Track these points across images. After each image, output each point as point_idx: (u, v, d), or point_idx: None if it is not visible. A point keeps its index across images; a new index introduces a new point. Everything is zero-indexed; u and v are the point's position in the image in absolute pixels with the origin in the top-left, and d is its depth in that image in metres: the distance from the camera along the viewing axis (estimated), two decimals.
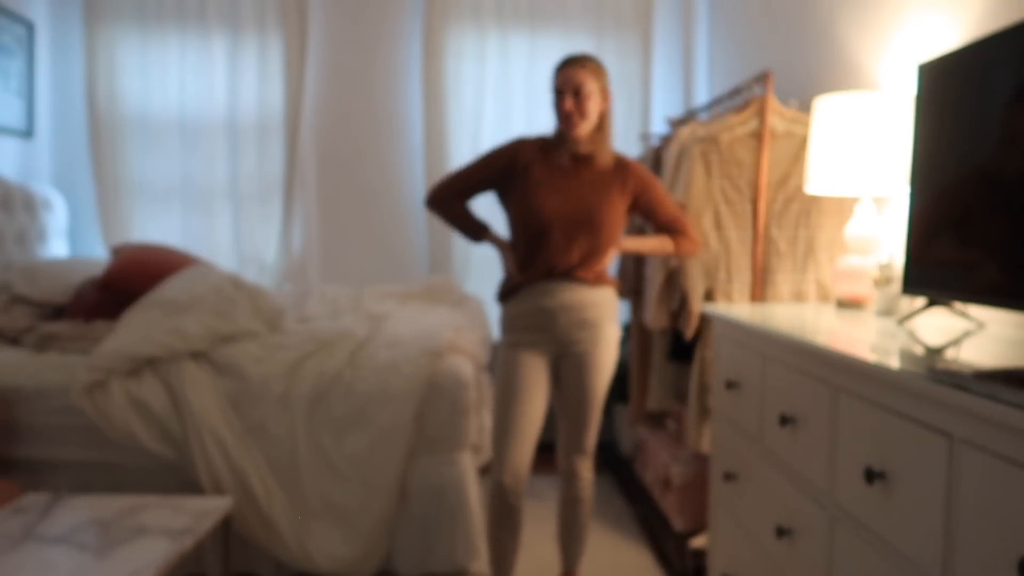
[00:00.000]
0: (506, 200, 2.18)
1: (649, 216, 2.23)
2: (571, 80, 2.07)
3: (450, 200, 2.23)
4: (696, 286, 2.40)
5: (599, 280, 2.15)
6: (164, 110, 3.82)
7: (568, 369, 2.18)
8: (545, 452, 2.85)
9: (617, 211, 2.14)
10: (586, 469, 2.27)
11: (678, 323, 2.54)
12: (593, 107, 2.09)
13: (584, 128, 2.10)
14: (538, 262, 2.12)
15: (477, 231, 2.25)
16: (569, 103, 2.07)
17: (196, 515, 1.90)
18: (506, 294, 2.20)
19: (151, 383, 2.41)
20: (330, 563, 2.35)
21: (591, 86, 2.08)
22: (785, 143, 2.40)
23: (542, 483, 3.28)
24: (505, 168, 2.15)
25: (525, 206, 2.10)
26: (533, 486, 3.15)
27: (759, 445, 1.74)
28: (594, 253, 2.12)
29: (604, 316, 2.17)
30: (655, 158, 2.97)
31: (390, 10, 3.95)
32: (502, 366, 2.18)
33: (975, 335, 1.53)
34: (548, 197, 2.09)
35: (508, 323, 2.20)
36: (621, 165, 2.17)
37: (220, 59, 3.83)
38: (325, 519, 2.40)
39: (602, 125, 2.13)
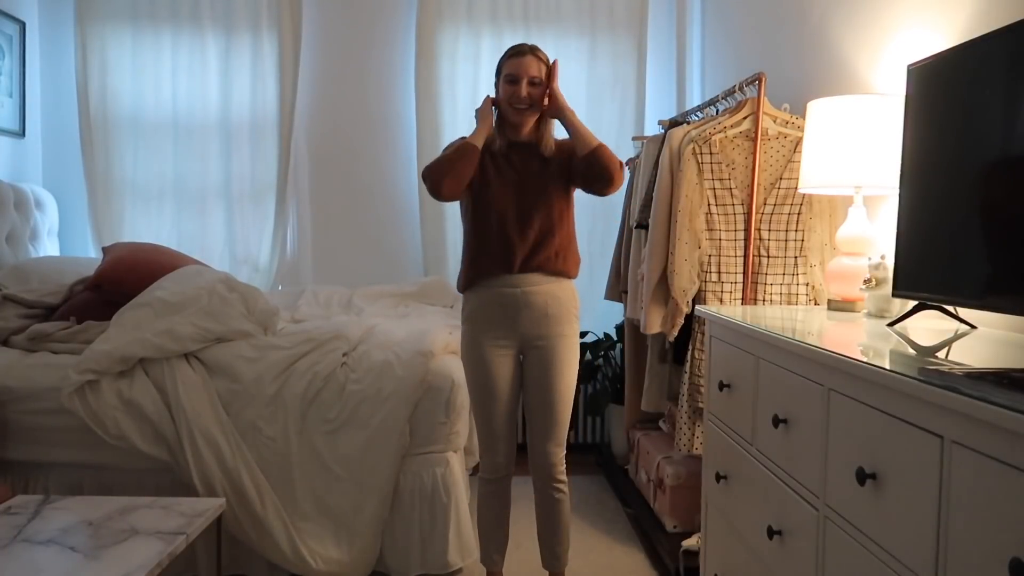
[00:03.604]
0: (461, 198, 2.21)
1: (575, 156, 2.17)
2: (529, 69, 2.13)
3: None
4: (686, 287, 2.40)
5: (560, 270, 2.18)
6: (157, 110, 3.81)
7: (532, 367, 2.20)
8: None
9: (561, 191, 2.19)
10: (559, 468, 2.26)
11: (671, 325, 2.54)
12: (541, 96, 2.16)
13: (532, 117, 2.17)
14: (494, 253, 2.15)
15: (465, 143, 2.16)
16: (526, 91, 2.12)
17: (188, 516, 1.89)
18: (467, 286, 2.22)
19: (143, 384, 2.39)
20: (323, 564, 2.34)
21: (541, 76, 2.15)
22: (777, 145, 2.41)
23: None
24: None
25: (476, 202, 2.15)
26: (525, 486, 3.13)
27: (751, 446, 1.74)
28: (550, 236, 2.16)
29: (566, 312, 2.20)
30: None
31: (383, 11, 3.95)
32: (472, 366, 2.21)
33: (966, 336, 1.54)
34: (496, 191, 2.15)
35: (470, 315, 2.22)
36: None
37: (213, 59, 3.82)
38: (318, 520, 2.39)
39: (544, 114, 2.19)
